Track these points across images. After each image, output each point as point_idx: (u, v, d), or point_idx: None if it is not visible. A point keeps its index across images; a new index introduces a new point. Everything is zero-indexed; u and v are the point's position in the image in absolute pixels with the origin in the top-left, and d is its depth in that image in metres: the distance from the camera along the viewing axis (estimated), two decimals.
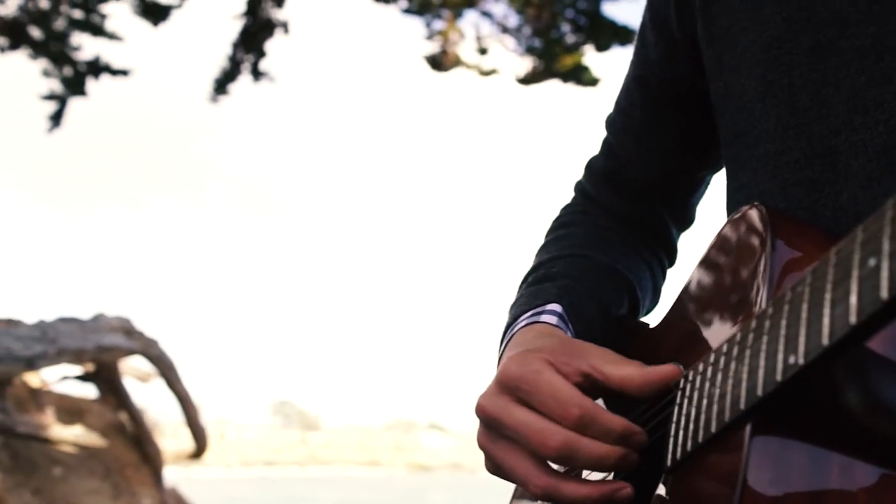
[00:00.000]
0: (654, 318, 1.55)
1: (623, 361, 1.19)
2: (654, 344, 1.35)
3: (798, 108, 1.22)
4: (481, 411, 1.21)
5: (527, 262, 1.62)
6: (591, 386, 1.19)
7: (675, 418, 1.13)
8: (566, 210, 1.71)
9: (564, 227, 1.65)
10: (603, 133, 1.68)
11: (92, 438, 10.95)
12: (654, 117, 1.55)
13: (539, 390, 1.17)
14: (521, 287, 1.55)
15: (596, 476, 1.26)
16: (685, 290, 1.30)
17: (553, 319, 1.40)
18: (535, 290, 1.48)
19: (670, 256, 1.68)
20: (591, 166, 1.69)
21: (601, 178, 1.66)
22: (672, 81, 1.50)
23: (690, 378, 1.13)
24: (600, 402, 1.23)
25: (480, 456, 1.26)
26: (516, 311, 1.46)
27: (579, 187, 1.72)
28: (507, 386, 1.20)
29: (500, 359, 1.41)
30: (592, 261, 1.53)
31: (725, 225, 1.22)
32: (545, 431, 1.14)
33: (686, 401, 1.12)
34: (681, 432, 1.11)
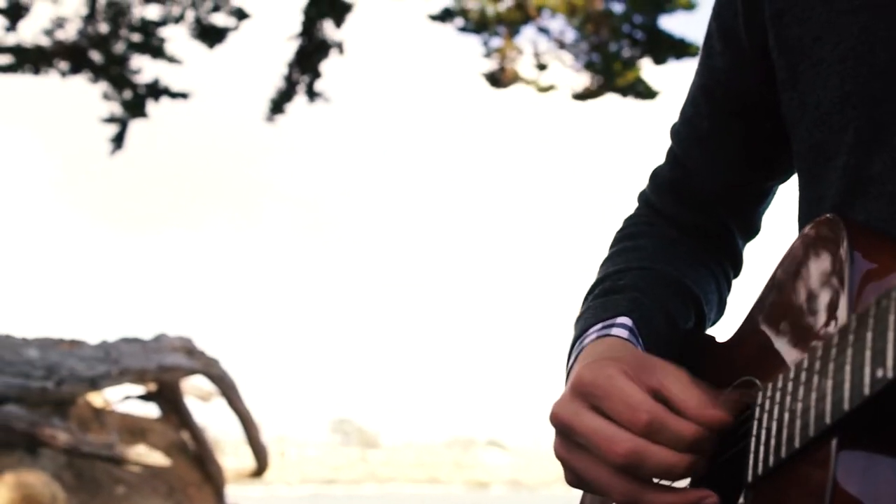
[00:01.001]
0: (719, 330, 1.54)
1: (691, 386, 1.17)
2: (727, 358, 1.33)
3: (878, 121, 1.19)
4: (555, 418, 1.20)
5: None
6: (660, 403, 1.16)
7: (755, 433, 1.11)
8: (631, 221, 1.68)
9: (630, 239, 1.62)
10: (666, 143, 1.65)
11: (154, 457, 11.02)
12: (720, 127, 1.52)
13: (610, 395, 1.15)
14: (586, 299, 1.53)
15: (679, 483, 1.25)
16: (758, 302, 1.28)
17: (624, 333, 1.38)
18: (603, 301, 1.47)
19: (736, 267, 1.66)
20: (656, 176, 1.67)
21: (666, 188, 1.64)
22: (739, 91, 1.47)
23: (769, 393, 1.10)
24: None
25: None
26: (584, 324, 1.44)
27: (643, 197, 1.70)
28: (580, 392, 1.19)
29: (568, 372, 1.39)
30: (659, 273, 1.51)
31: (800, 236, 1.20)
32: (614, 437, 1.13)
33: (766, 415, 1.09)
34: (762, 447, 1.09)
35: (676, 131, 1.61)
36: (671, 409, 1.16)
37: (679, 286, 1.51)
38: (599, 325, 1.41)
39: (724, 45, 1.47)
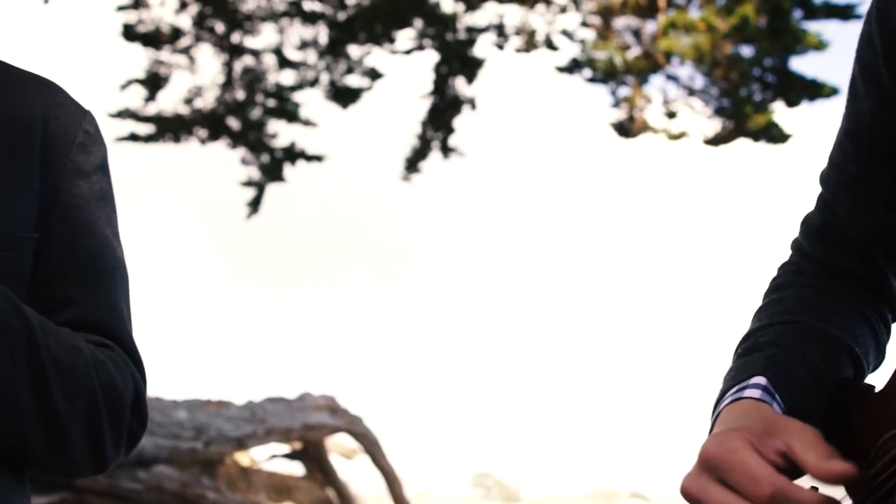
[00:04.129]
0: (880, 378, 1.50)
1: (815, 446, 1.16)
2: (884, 408, 1.30)
3: None
4: (685, 492, 1.22)
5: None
6: (789, 465, 1.17)
7: None
8: (782, 270, 1.66)
9: (778, 290, 1.60)
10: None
11: None
12: (868, 170, 1.49)
13: (733, 468, 1.16)
14: (734, 356, 1.51)
15: None
16: None
17: (756, 393, 1.37)
18: (742, 362, 1.45)
19: (894, 311, 1.60)
20: (807, 223, 1.64)
21: (817, 234, 1.61)
22: (886, 134, 1.44)
23: None
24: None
25: None
26: (724, 386, 1.44)
27: (795, 245, 1.67)
28: (706, 465, 1.21)
29: (710, 434, 1.38)
30: (803, 326, 1.48)
31: None
32: None
33: None
34: None
35: (825, 176, 1.59)
36: (798, 468, 1.16)
37: (824, 336, 1.48)
38: (735, 388, 1.40)
39: (868, 88, 1.44)
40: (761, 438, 1.19)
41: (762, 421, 1.24)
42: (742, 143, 12.61)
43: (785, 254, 1.70)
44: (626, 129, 12.89)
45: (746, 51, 12.29)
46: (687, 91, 12.72)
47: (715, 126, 12.65)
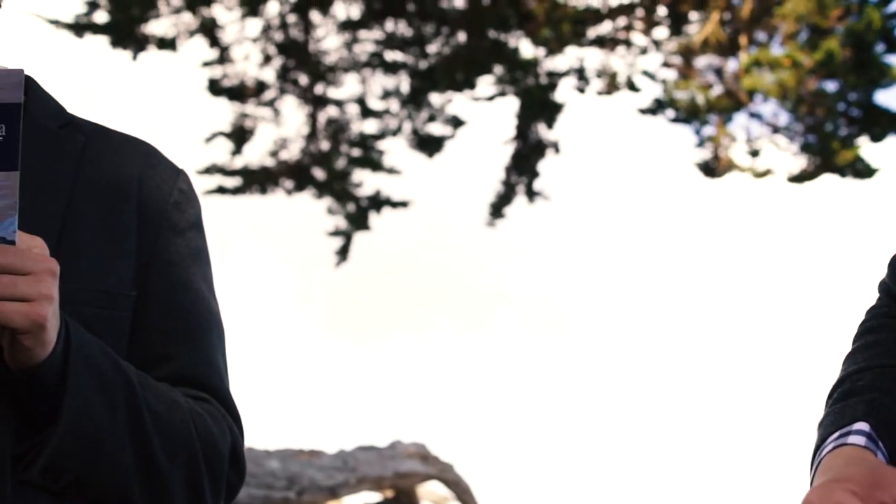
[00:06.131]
0: None
1: None
2: None
3: None
4: None
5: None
6: None
7: None
8: (871, 313, 1.63)
9: (871, 333, 1.57)
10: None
11: None
12: None
13: None
14: (828, 402, 1.49)
15: None
16: None
17: (861, 440, 1.35)
18: (841, 407, 1.43)
19: None
20: (895, 265, 1.62)
21: None
22: None
23: None
24: None
25: None
26: (823, 432, 1.42)
27: (883, 287, 1.65)
28: None
29: (811, 482, 1.36)
30: None
31: None
32: None
33: None
34: None
35: None
36: None
37: None
38: (836, 434, 1.38)
39: None
40: (868, 491, 1.17)
41: (869, 471, 1.22)
42: (828, 179, 12.47)
43: (873, 293, 1.68)
44: (712, 168, 12.80)
45: (830, 86, 12.17)
46: (771, 128, 12.61)
47: (800, 163, 12.53)
